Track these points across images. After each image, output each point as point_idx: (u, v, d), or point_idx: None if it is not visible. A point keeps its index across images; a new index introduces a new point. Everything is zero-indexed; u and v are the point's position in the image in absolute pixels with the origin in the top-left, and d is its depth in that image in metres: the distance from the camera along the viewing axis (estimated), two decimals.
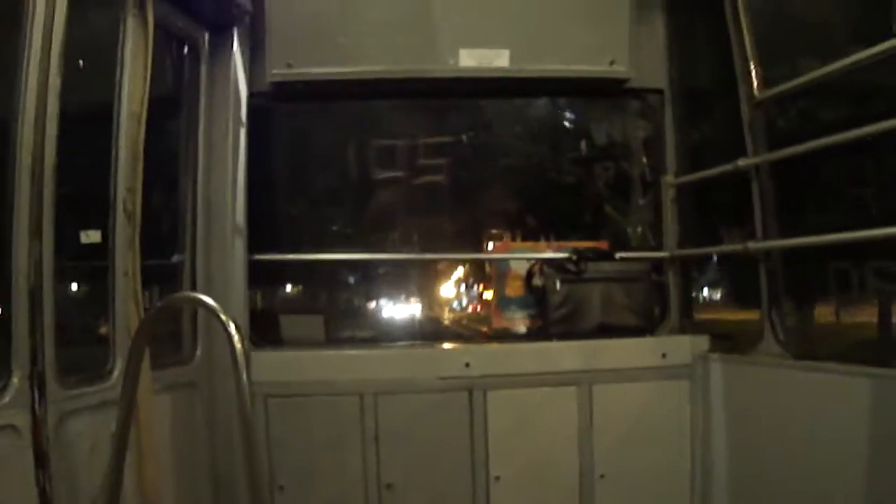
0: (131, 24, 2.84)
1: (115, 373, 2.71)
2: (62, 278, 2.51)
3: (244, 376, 2.20)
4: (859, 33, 3.06)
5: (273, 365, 3.65)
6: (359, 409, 3.67)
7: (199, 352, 3.45)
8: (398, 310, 4.63)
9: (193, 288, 3.50)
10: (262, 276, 3.95)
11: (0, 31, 2.38)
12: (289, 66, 3.81)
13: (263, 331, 3.90)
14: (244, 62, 3.72)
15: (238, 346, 2.23)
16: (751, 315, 3.72)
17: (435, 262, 4.67)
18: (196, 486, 3.36)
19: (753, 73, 3.50)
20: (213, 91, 3.61)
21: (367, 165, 4.50)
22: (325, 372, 3.73)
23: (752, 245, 3.49)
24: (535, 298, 4.20)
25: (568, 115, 4.73)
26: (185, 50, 3.53)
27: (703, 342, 3.87)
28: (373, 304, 4.64)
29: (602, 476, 3.76)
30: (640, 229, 4.43)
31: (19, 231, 2.26)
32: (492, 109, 4.64)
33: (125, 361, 2.54)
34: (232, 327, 2.25)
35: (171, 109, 3.56)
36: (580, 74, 3.96)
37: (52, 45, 2.34)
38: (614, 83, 4.06)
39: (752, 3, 3.50)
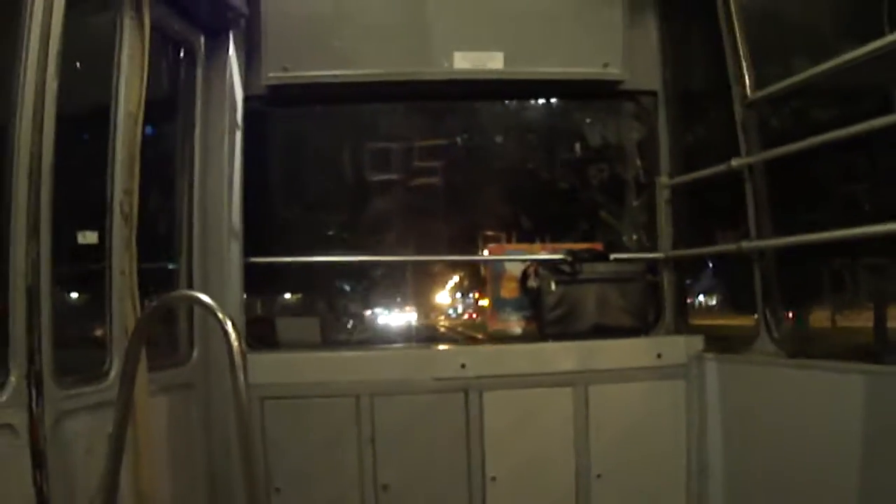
0: (128, 26, 2.85)
1: (112, 373, 2.71)
2: (59, 278, 2.51)
3: (241, 374, 2.20)
4: (850, 33, 3.09)
5: (269, 367, 3.64)
6: (355, 411, 3.67)
7: (195, 353, 3.45)
8: (394, 312, 4.64)
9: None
10: (258, 279, 3.96)
11: None
12: (284, 69, 3.83)
13: (259, 333, 3.91)
14: (240, 65, 3.73)
15: (235, 344, 2.23)
16: (745, 315, 3.74)
17: (430, 264, 4.68)
18: (192, 487, 3.35)
19: (746, 74, 3.52)
20: (209, 94, 3.62)
21: (363, 168, 4.52)
22: (320, 374, 3.73)
23: (745, 245, 3.50)
24: (531, 300, 4.20)
25: (562, 117, 4.75)
26: (182, 53, 3.55)
27: (697, 342, 3.88)
28: (368, 307, 4.65)
29: (598, 476, 3.77)
30: (634, 230, 4.45)
31: (17, 231, 2.25)
32: (486, 112, 4.67)
33: (122, 362, 2.55)
34: (229, 325, 2.25)
35: (167, 112, 3.57)
36: (574, 77, 3.99)
37: (50, 47, 2.34)
38: (608, 85, 4.09)
39: (745, 5, 3.53)
